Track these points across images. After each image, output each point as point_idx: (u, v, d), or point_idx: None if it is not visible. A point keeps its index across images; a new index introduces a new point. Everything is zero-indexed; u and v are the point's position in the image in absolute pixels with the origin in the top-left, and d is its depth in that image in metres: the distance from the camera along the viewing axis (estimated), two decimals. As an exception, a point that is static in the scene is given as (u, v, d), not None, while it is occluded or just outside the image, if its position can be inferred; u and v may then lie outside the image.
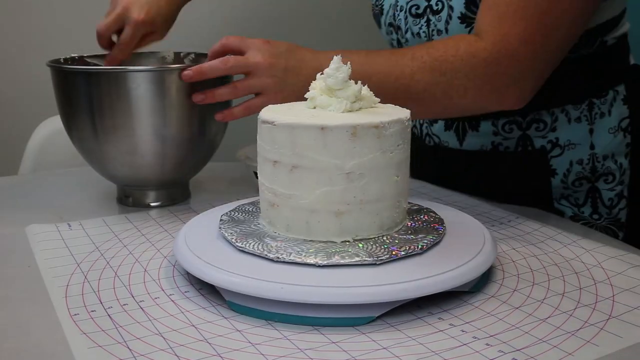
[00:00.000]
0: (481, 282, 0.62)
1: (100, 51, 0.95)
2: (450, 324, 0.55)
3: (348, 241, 0.62)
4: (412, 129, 0.89)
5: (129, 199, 0.88)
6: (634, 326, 0.55)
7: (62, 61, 0.89)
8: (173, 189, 0.89)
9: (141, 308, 0.58)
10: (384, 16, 0.95)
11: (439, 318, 0.56)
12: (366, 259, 0.58)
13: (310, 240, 0.62)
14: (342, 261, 0.58)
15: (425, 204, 0.75)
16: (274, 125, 0.61)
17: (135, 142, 0.81)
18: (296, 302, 0.54)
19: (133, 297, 0.60)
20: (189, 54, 0.97)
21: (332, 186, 0.61)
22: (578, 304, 0.59)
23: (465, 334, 0.53)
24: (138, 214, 0.85)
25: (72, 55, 0.91)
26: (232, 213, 0.70)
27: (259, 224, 0.67)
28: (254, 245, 0.61)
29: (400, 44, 0.94)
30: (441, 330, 0.54)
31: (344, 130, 0.60)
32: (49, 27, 1.66)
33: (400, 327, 0.55)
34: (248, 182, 0.99)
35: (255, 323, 0.55)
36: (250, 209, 0.72)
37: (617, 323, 0.55)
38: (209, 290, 0.61)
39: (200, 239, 0.65)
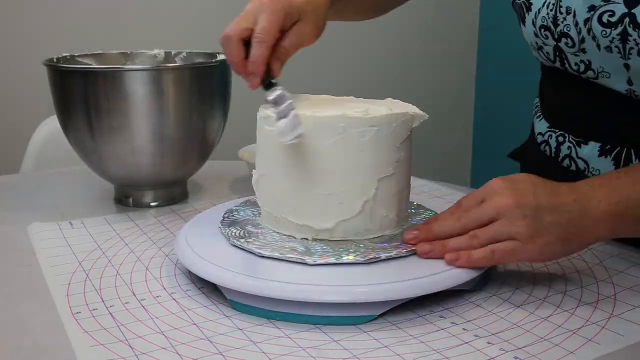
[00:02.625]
0: (483, 281, 0.62)
1: (92, 50, 0.95)
2: (451, 322, 0.55)
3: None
4: (541, 145, 0.81)
5: (129, 199, 0.88)
6: (636, 325, 0.55)
7: (55, 60, 0.88)
8: (172, 188, 0.89)
9: (143, 306, 0.58)
10: (531, 14, 0.75)
11: (441, 316, 0.56)
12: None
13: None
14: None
15: (427, 203, 0.75)
16: None
17: (132, 142, 0.81)
18: (297, 301, 0.54)
19: (135, 295, 0.60)
20: (179, 52, 0.97)
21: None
22: (579, 303, 0.59)
23: (466, 332, 0.53)
24: (139, 213, 0.85)
25: (64, 54, 0.90)
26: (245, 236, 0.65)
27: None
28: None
29: (562, 55, 0.74)
30: (442, 329, 0.54)
31: None
32: (51, 26, 1.66)
33: (402, 326, 0.55)
34: (248, 181, 0.99)
35: (256, 321, 0.55)
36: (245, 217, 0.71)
37: (618, 321, 0.55)
38: (211, 289, 0.61)
39: (202, 238, 0.65)
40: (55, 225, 0.79)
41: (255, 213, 0.70)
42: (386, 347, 0.51)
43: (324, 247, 0.60)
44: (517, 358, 0.50)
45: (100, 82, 0.79)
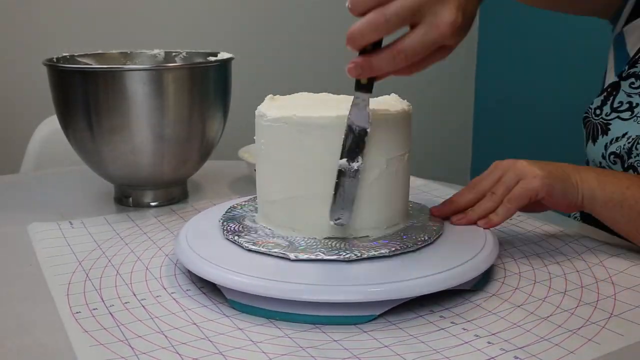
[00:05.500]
0: (483, 281, 0.62)
1: (92, 50, 0.95)
2: (451, 322, 0.55)
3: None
4: None
5: (129, 199, 0.88)
6: (636, 324, 0.55)
7: (55, 60, 0.88)
8: (172, 188, 0.89)
9: (143, 306, 0.58)
10: (606, 137, 0.82)
11: (441, 316, 0.56)
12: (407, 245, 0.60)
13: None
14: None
15: (427, 203, 0.74)
16: None
17: (133, 142, 0.81)
18: (297, 300, 0.54)
19: (135, 295, 0.60)
20: (179, 52, 0.97)
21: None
22: (579, 302, 0.59)
23: (466, 332, 0.53)
24: (139, 213, 0.85)
25: (64, 54, 0.90)
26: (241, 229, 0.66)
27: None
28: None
29: None
30: (443, 329, 0.54)
31: None
32: (51, 26, 1.66)
33: (402, 325, 0.55)
34: (248, 181, 0.99)
35: (256, 321, 0.55)
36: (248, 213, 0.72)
37: (618, 321, 0.55)
38: (211, 289, 0.61)
39: (202, 237, 0.65)
40: (55, 225, 0.79)
41: (254, 210, 0.70)
42: (386, 347, 0.51)
43: (323, 246, 0.60)
44: (517, 358, 0.50)
45: (100, 82, 0.79)
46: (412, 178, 0.68)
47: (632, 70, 0.81)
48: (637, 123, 0.78)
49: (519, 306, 0.58)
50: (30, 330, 0.55)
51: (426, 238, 0.62)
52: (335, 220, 0.61)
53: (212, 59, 0.88)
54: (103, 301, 0.59)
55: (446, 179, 1.06)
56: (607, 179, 0.68)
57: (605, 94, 0.83)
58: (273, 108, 0.64)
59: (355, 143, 0.60)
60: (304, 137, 0.61)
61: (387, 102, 0.67)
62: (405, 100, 0.68)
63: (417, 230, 0.65)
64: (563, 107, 1.97)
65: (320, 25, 2.03)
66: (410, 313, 0.57)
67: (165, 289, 0.62)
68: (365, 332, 0.54)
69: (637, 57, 0.81)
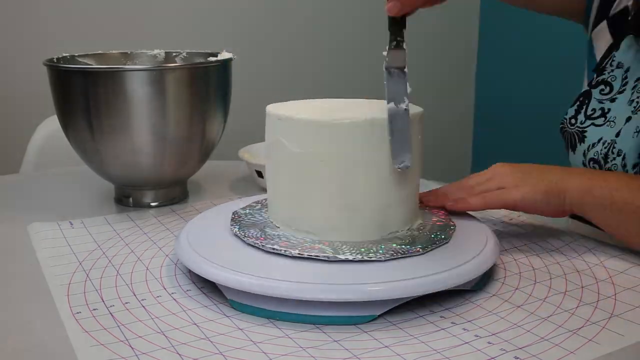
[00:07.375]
0: (483, 281, 0.62)
1: (92, 50, 0.95)
2: (452, 322, 0.55)
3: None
4: None
5: (129, 199, 0.88)
6: (636, 325, 0.55)
7: (55, 60, 0.88)
8: (172, 188, 0.89)
9: (143, 306, 0.58)
10: (584, 145, 0.84)
11: (441, 316, 0.56)
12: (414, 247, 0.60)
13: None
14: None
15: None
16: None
17: (132, 142, 0.81)
18: (298, 300, 0.54)
19: (135, 295, 0.60)
20: (180, 52, 0.97)
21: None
22: (580, 303, 0.59)
23: (466, 332, 0.53)
24: (140, 213, 0.85)
25: (64, 54, 0.90)
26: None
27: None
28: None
29: None
30: (443, 329, 0.54)
31: None
32: (51, 26, 1.66)
33: (402, 326, 0.55)
34: (249, 181, 0.99)
35: (257, 321, 0.55)
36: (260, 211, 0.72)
37: (618, 321, 0.55)
38: (211, 289, 0.61)
39: (202, 237, 0.65)
40: (55, 225, 0.79)
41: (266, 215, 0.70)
42: (386, 347, 0.51)
43: (325, 246, 0.60)
44: (518, 358, 0.50)
45: (101, 82, 0.79)
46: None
47: (600, 78, 0.84)
48: (611, 127, 0.81)
49: (519, 306, 0.58)
50: (31, 330, 0.55)
51: (434, 239, 0.62)
52: (400, 164, 0.60)
53: (213, 59, 0.88)
54: (103, 301, 0.59)
55: (446, 179, 1.06)
56: (595, 183, 0.68)
57: (578, 103, 0.86)
58: (288, 108, 0.65)
59: (396, 85, 0.63)
60: (326, 137, 0.61)
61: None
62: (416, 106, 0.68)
63: (426, 231, 0.64)
64: (564, 107, 1.97)
65: (321, 25, 2.03)
66: (410, 313, 0.57)
67: (165, 289, 0.62)
68: (365, 332, 0.54)
69: (603, 63, 0.84)
